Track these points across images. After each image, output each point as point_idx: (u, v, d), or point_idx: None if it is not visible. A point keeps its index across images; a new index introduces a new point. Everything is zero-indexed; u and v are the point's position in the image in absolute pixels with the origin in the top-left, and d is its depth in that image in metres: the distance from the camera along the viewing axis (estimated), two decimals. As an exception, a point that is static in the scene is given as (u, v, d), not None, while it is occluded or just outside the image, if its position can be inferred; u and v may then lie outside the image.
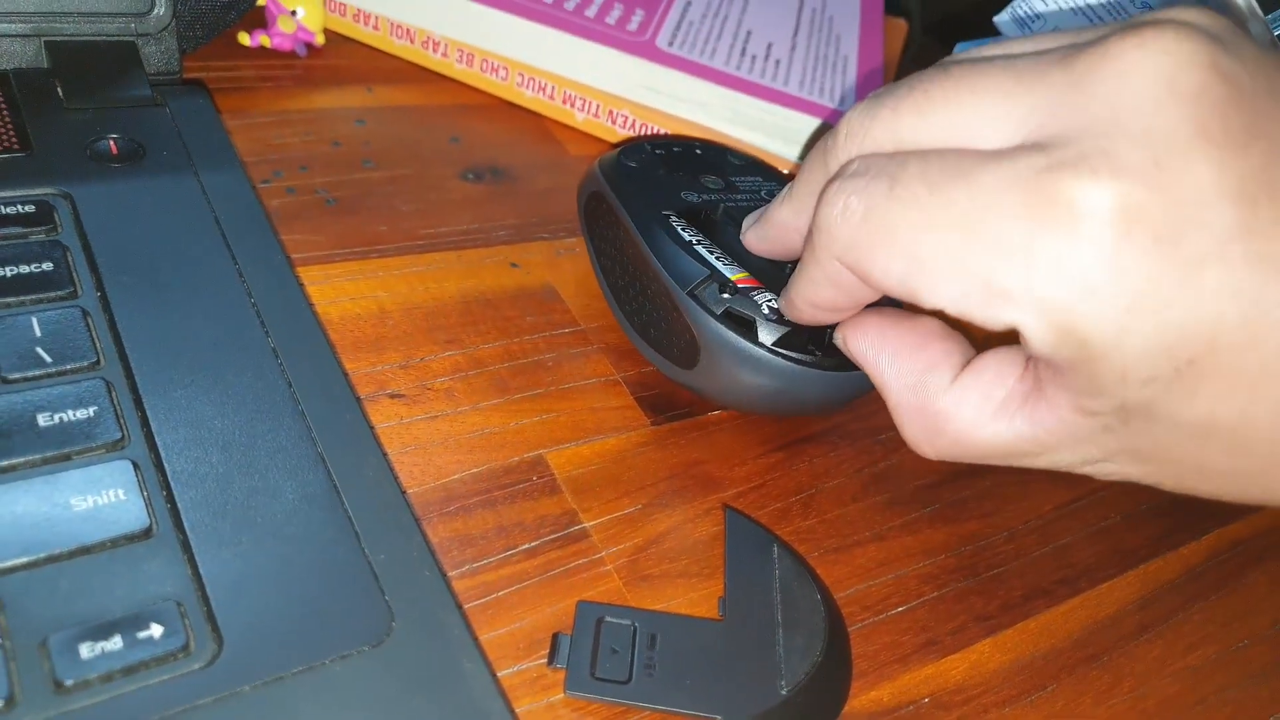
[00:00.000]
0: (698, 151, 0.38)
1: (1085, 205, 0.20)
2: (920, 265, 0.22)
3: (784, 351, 0.30)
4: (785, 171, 0.38)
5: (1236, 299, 0.19)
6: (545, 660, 0.26)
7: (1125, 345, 0.20)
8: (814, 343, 0.30)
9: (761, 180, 0.37)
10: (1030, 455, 0.24)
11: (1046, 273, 0.20)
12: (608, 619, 0.27)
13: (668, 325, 0.32)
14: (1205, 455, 0.22)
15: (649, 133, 0.44)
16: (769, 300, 0.31)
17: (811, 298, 0.27)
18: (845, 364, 0.30)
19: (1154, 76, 0.20)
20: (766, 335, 0.30)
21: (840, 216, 0.23)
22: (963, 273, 0.21)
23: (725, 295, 0.31)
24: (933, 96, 0.23)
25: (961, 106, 0.23)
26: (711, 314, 0.31)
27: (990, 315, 0.22)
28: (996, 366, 0.24)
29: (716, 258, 0.32)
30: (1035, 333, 0.21)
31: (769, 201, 0.35)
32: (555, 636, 0.26)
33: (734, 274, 0.31)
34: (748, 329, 0.30)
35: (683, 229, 0.33)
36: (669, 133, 0.44)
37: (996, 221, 0.21)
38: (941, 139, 0.23)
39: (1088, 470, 0.24)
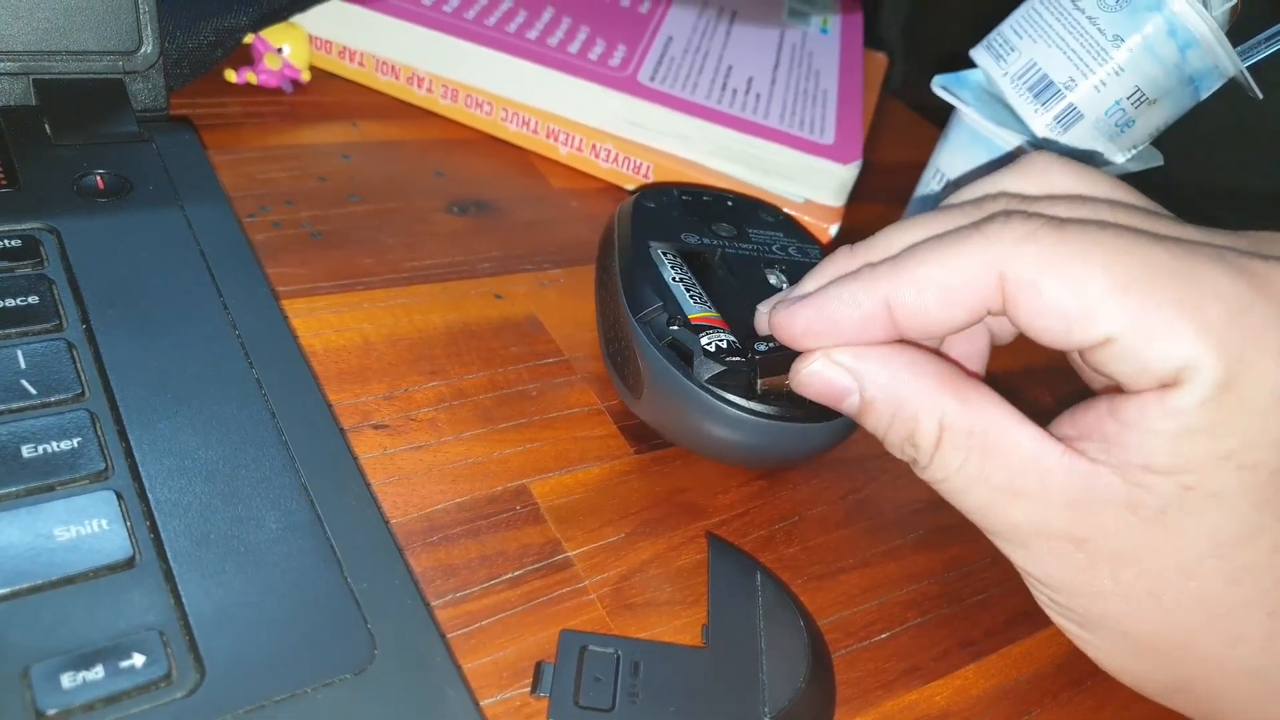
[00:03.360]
0: (729, 203, 0.38)
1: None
2: (1123, 292, 0.23)
3: (718, 390, 0.30)
4: (810, 236, 0.37)
5: None
6: (529, 689, 0.26)
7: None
8: (755, 388, 0.30)
9: (783, 237, 0.37)
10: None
11: (1253, 330, 0.22)
12: (591, 647, 0.27)
13: (626, 352, 0.33)
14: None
15: (631, 166, 0.45)
16: (721, 339, 0.30)
17: (903, 295, 0.25)
18: (791, 414, 0.30)
19: None
20: (703, 370, 0.30)
21: (1027, 235, 0.24)
22: (1165, 304, 0.22)
23: (673, 326, 0.31)
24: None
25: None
26: (654, 342, 0.31)
27: (1170, 354, 0.22)
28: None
29: (688, 294, 0.32)
30: (1205, 378, 0.22)
31: (778, 256, 0.35)
32: (538, 665, 0.26)
33: (696, 311, 0.31)
34: (687, 362, 0.30)
35: (666, 264, 0.33)
36: (689, 181, 0.45)
37: (1212, 271, 0.23)
38: None
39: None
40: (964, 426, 0.25)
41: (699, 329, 0.31)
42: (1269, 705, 0.25)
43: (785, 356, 0.28)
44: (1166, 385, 0.23)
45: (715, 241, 0.35)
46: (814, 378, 0.27)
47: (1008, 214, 0.24)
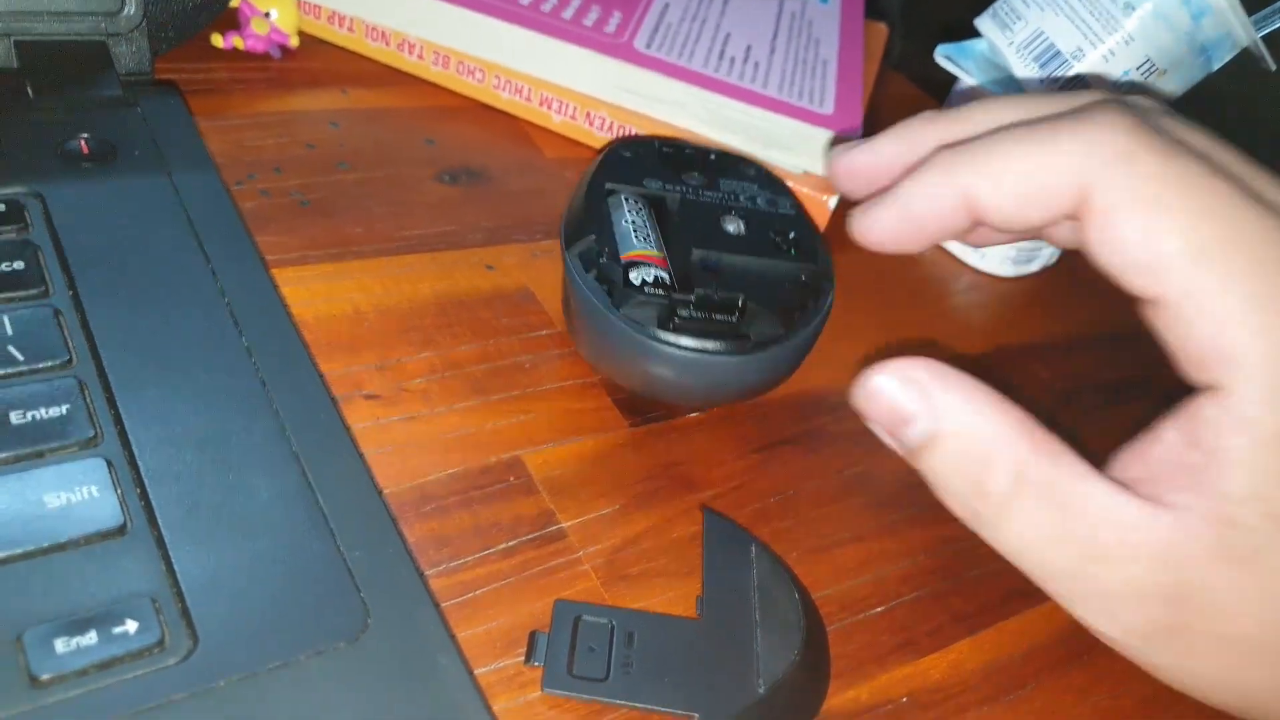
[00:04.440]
0: (711, 157, 0.38)
1: None
2: (1197, 253, 0.21)
3: (633, 320, 0.30)
4: (785, 188, 0.37)
5: None
6: (522, 658, 0.26)
7: None
8: (681, 321, 0.30)
9: (756, 188, 0.37)
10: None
11: None
12: (585, 617, 0.27)
13: (565, 287, 0.33)
14: None
15: (626, 134, 0.44)
16: (650, 273, 0.31)
17: (982, 189, 0.24)
18: (705, 347, 0.30)
19: None
20: (620, 298, 0.30)
21: (1125, 155, 0.22)
22: (1238, 279, 0.21)
23: (602, 259, 0.31)
24: None
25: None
26: (580, 273, 0.31)
27: (1228, 334, 0.21)
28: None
29: (633, 233, 0.32)
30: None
31: (741, 205, 0.35)
32: (532, 634, 0.26)
33: (636, 249, 0.31)
34: (608, 292, 0.31)
35: (624, 206, 0.33)
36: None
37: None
38: None
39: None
40: (1043, 478, 0.22)
41: (632, 265, 0.31)
42: None
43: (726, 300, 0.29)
44: (1214, 387, 0.21)
45: (678, 188, 0.35)
46: (879, 397, 0.24)
47: (1107, 105, 0.23)
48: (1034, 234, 0.27)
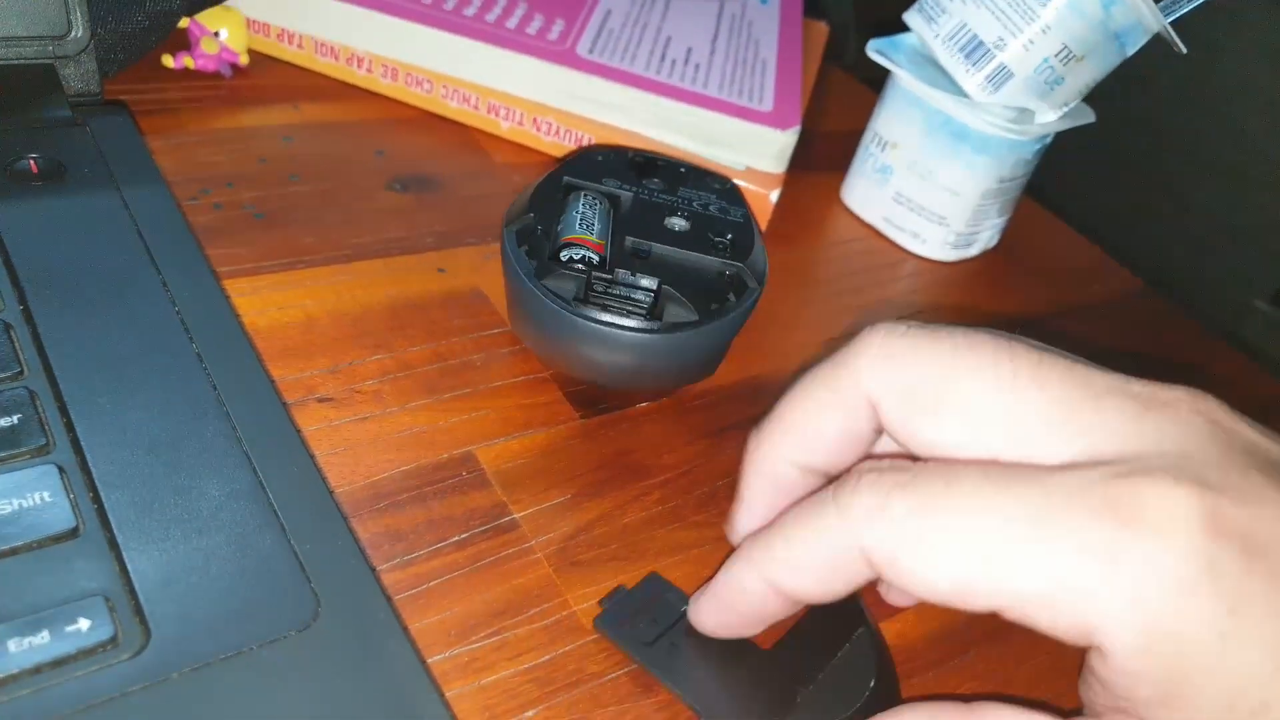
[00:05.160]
0: (681, 170, 0.38)
1: (1170, 509, 0.20)
2: (985, 564, 0.21)
3: (552, 290, 0.31)
4: (745, 204, 0.38)
5: None
6: (476, 645, 0.27)
7: (1232, 658, 0.20)
8: (595, 296, 0.32)
9: (715, 198, 0.37)
10: None
11: (1135, 570, 0.20)
12: (667, 595, 0.28)
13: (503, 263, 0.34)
14: None
15: (573, 139, 0.45)
16: (580, 254, 0.32)
17: (780, 576, 0.24)
18: (622, 324, 0.31)
19: (1209, 423, 0.22)
20: (541, 270, 0.32)
21: (877, 508, 0.22)
22: (1038, 571, 0.21)
23: (535, 236, 0.33)
24: (1000, 367, 0.23)
25: (1000, 422, 0.23)
26: (513, 244, 0.33)
27: (1067, 616, 0.21)
28: None
29: (578, 220, 0.33)
30: (1122, 636, 0.20)
31: (691, 208, 0.36)
32: (619, 586, 0.29)
33: (575, 234, 0.33)
34: (535, 264, 0.32)
35: (579, 198, 0.35)
36: (629, 145, 0.45)
37: (1075, 519, 0.20)
38: (986, 453, 0.23)
39: None
40: None
41: (566, 246, 0.32)
42: None
43: None
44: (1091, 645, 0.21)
45: (635, 189, 0.36)
46: None
47: (859, 475, 0.23)
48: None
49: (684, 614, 0.28)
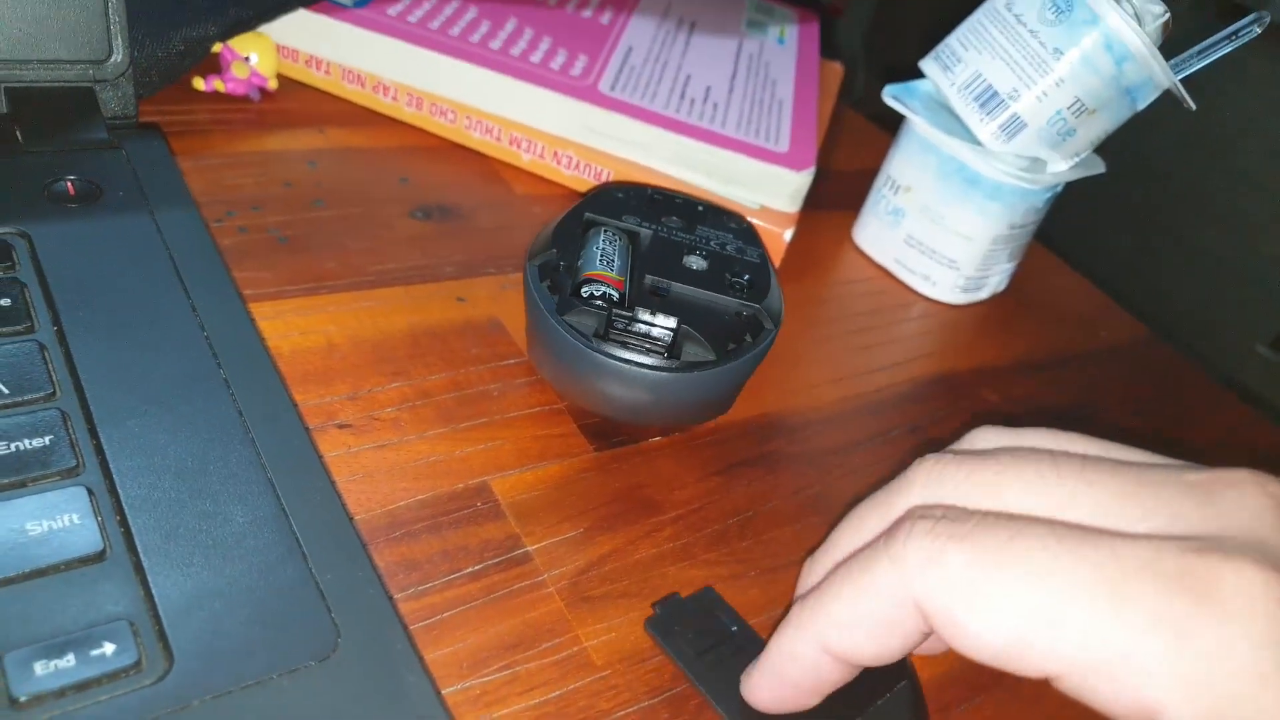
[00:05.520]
0: (698, 208, 0.39)
1: (1249, 591, 0.19)
2: (1047, 626, 0.20)
3: (573, 325, 0.32)
4: (759, 241, 0.38)
5: None
6: (488, 678, 0.27)
7: None
8: (616, 334, 0.32)
9: (732, 238, 0.38)
10: None
11: (1208, 651, 0.19)
12: (719, 614, 0.29)
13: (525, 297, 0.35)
14: None
15: (592, 173, 0.46)
16: (601, 290, 0.33)
17: (832, 637, 0.24)
18: (641, 362, 0.32)
19: (1274, 503, 0.21)
20: (563, 306, 0.32)
21: (932, 558, 0.22)
22: (1104, 639, 0.20)
23: (559, 271, 0.33)
24: (1045, 475, 0.23)
25: (1079, 492, 0.22)
26: (535, 279, 0.33)
27: (1130, 692, 0.20)
28: None
29: (598, 256, 0.34)
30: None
31: (709, 247, 0.37)
32: (676, 593, 0.30)
33: (596, 270, 0.33)
34: (555, 299, 0.33)
35: (600, 234, 0.35)
36: (639, 180, 0.46)
37: (1149, 589, 0.20)
38: (1049, 513, 0.22)
39: None
40: None
41: (587, 282, 0.33)
42: None
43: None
44: None
45: (654, 226, 0.37)
46: None
47: (912, 522, 0.23)
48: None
49: (734, 633, 0.29)
